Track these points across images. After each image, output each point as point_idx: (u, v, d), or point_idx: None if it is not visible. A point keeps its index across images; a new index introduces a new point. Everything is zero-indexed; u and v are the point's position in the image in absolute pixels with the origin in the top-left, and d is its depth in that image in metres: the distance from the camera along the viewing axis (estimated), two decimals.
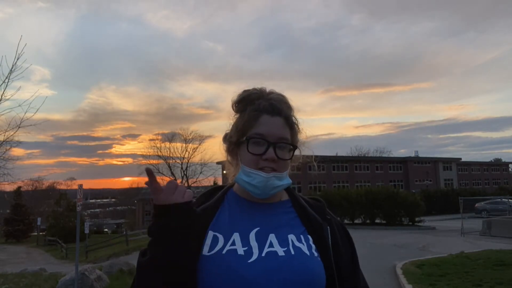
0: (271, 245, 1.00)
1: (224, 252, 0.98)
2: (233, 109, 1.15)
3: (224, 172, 1.23)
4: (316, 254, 1.01)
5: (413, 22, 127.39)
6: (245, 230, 1.03)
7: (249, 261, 0.96)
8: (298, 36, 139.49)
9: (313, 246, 1.03)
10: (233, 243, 0.99)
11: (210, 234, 1.02)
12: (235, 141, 1.11)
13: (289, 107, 1.13)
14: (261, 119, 1.06)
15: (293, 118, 1.13)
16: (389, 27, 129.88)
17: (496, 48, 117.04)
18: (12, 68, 8.78)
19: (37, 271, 12.42)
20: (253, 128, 1.06)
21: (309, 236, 1.04)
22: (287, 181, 1.07)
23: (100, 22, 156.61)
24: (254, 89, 1.14)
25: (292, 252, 0.98)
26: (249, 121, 1.07)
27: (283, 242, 1.00)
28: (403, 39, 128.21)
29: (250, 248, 0.98)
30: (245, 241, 1.00)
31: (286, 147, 1.06)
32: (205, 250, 0.99)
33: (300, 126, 1.16)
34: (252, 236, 1.01)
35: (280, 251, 0.98)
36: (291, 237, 1.02)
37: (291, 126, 1.10)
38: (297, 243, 1.01)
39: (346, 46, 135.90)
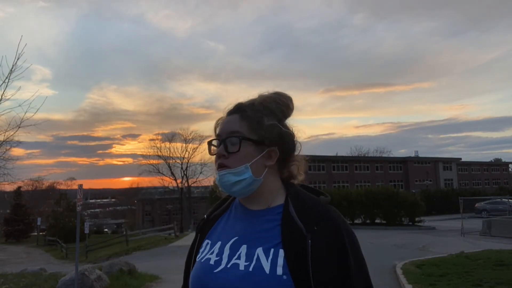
0: (238, 257, 0.96)
1: (202, 260, 1.02)
2: None
3: None
4: (281, 272, 0.90)
5: (414, 21, 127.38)
6: (226, 239, 1.02)
7: (215, 270, 0.96)
8: (299, 35, 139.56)
9: (283, 262, 0.91)
10: (212, 252, 1.02)
11: (206, 242, 1.08)
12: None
13: (272, 101, 1.07)
14: (222, 121, 1.09)
15: (263, 111, 1.04)
16: (390, 27, 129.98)
17: (498, 48, 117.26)
18: (12, 68, 8.79)
19: (37, 271, 12.40)
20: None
21: (282, 250, 0.93)
22: (246, 175, 0.99)
23: (101, 21, 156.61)
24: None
25: (250, 268, 0.92)
26: (216, 128, 1.11)
27: (249, 256, 0.95)
28: (404, 38, 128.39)
29: (221, 258, 0.99)
30: (221, 250, 1.00)
31: (235, 141, 1.01)
32: (198, 257, 1.06)
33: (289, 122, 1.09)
34: (228, 245, 1.00)
35: (242, 265, 0.94)
36: (259, 250, 0.95)
37: (250, 118, 1.03)
38: (262, 258, 0.93)
39: (347, 46, 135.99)
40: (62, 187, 62.43)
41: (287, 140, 1.06)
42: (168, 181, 56.57)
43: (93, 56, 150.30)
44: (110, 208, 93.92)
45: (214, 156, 1.06)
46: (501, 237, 15.97)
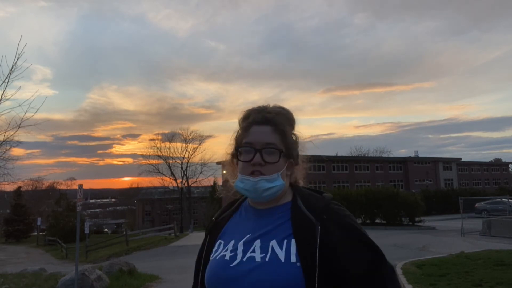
0: (253, 250, 1.06)
1: (217, 257, 1.11)
2: (239, 126, 1.25)
3: (229, 182, 1.32)
4: (295, 259, 1.01)
5: (415, 21, 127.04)
6: (239, 237, 1.12)
7: (231, 265, 1.06)
8: (300, 35, 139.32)
9: (295, 250, 1.02)
10: (226, 249, 1.11)
11: (218, 242, 1.17)
12: (232, 153, 1.23)
13: (286, 119, 1.21)
14: (251, 129, 1.18)
15: (286, 127, 1.19)
16: (391, 27, 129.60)
17: (499, 48, 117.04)
18: (12, 68, 8.77)
19: (37, 271, 12.41)
20: (244, 139, 1.18)
21: (293, 240, 1.04)
22: (278, 182, 1.12)
23: (102, 21, 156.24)
24: (258, 106, 1.24)
25: (267, 259, 1.03)
26: (241, 133, 1.20)
27: (264, 248, 1.05)
28: (405, 38, 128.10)
29: (236, 253, 1.08)
30: (235, 247, 1.10)
31: (273, 152, 1.14)
32: (211, 256, 1.15)
33: (298, 135, 1.23)
34: (241, 242, 1.10)
35: (258, 257, 1.04)
36: (273, 242, 1.06)
37: (281, 133, 1.16)
38: (276, 249, 1.04)
39: (348, 46, 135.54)
40: (62, 187, 62.49)
41: (297, 152, 1.22)
42: (168, 181, 56.64)
43: (93, 55, 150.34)
44: (110, 208, 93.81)
45: (242, 162, 1.16)
46: (501, 237, 15.96)
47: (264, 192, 1.11)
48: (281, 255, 1.02)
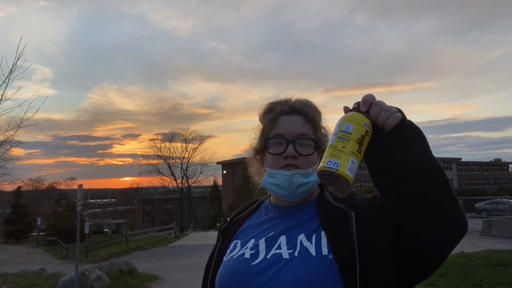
0: (278, 247, 0.97)
1: (235, 256, 1.01)
2: (260, 122, 1.16)
3: (250, 172, 1.22)
4: (326, 252, 0.91)
5: (416, 21, 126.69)
6: (260, 235, 1.03)
7: (252, 263, 0.95)
8: (301, 35, 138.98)
9: (326, 243, 0.93)
10: (246, 248, 1.01)
11: (234, 242, 1.07)
12: (259, 147, 1.12)
13: (314, 109, 1.13)
14: (279, 120, 1.08)
15: (317, 117, 1.11)
16: (392, 26, 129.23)
17: (499, 48, 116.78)
18: (12, 68, 8.81)
19: (37, 271, 12.42)
20: (273, 131, 1.07)
21: (323, 232, 0.95)
22: (313, 177, 1.02)
23: (102, 21, 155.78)
24: (279, 99, 1.15)
25: (296, 254, 0.93)
26: (269, 125, 1.09)
27: (291, 244, 0.96)
28: (406, 38, 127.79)
29: (257, 251, 0.98)
30: (256, 245, 1.00)
31: (307, 143, 1.04)
32: (225, 257, 1.05)
33: (326, 125, 1.14)
34: (263, 240, 1.00)
35: (285, 254, 0.94)
36: (301, 237, 0.97)
37: (313, 123, 1.08)
38: (305, 243, 0.95)
39: (348, 45, 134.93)
40: (62, 187, 62.41)
41: (325, 146, 1.14)
42: (168, 181, 56.66)
43: (94, 55, 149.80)
44: (110, 208, 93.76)
45: (272, 155, 1.06)
46: (501, 237, 15.96)
47: (298, 188, 1.01)
48: (312, 248, 0.93)
